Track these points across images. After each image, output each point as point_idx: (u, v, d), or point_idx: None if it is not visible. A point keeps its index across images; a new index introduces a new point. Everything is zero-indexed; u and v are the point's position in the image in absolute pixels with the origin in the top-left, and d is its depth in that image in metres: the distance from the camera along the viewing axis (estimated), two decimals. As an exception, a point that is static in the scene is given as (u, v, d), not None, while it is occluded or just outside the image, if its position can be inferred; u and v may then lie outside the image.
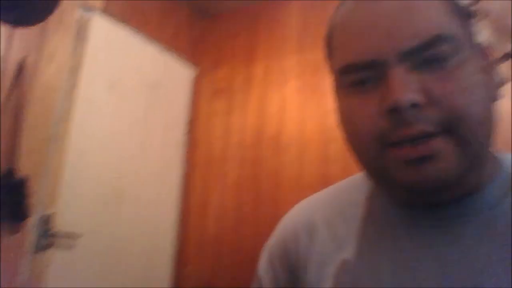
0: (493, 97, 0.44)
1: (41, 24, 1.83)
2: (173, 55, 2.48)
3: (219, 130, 2.45)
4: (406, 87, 0.39)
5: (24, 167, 1.72)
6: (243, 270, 1.89)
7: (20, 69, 1.76)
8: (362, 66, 0.42)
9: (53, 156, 1.84)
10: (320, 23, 2.07)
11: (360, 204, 0.51)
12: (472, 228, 0.43)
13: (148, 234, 2.20)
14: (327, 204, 0.54)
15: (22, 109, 1.75)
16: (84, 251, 1.89)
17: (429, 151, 0.39)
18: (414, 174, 0.40)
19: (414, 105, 0.39)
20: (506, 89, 1.39)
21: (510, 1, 1.34)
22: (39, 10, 1.83)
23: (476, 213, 0.44)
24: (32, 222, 1.73)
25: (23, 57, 1.78)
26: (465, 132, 0.40)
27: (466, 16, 0.44)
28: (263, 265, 0.57)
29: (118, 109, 2.15)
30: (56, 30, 1.91)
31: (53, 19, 1.88)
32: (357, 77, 0.43)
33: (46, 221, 1.78)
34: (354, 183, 0.55)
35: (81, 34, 1.99)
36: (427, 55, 0.40)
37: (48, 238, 1.78)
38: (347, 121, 0.45)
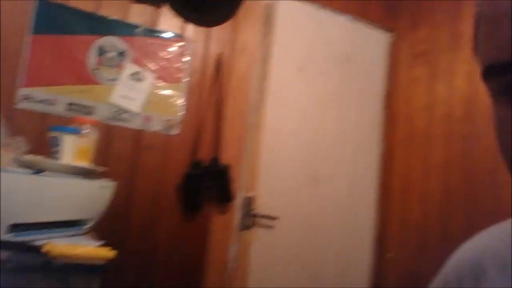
0: None
1: (232, 20, 1.95)
2: (365, 24, 2.27)
3: (421, 101, 2.15)
4: None
5: (227, 155, 1.90)
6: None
7: (218, 65, 1.93)
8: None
9: (252, 143, 1.98)
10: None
11: None
12: None
13: (345, 217, 2.16)
14: (500, 240, 0.42)
15: (223, 102, 1.92)
16: (283, 231, 2.00)
17: None
18: None
19: None
20: None
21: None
22: (228, 9, 1.95)
23: None
24: (236, 204, 1.92)
25: (220, 53, 1.93)
26: None
27: None
28: None
29: (308, 90, 2.13)
30: (245, 23, 2.00)
31: (241, 13, 1.98)
32: (506, 80, 0.31)
33: (248, 203, 1.95)
34: None
35: (268, 22, 2.04)
36: None
37: (250, 218, 1.95)
38: (499, 135, 0.34)
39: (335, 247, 2.13)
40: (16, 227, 0.98)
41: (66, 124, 1.29)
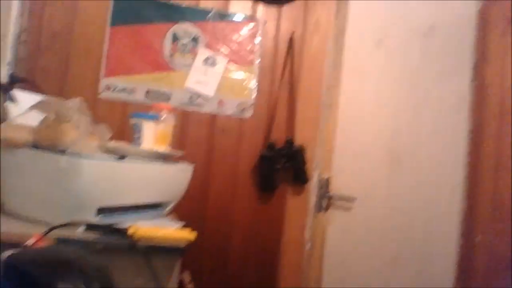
0: None
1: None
2: (450, -11, 2.06)
3: (517, 72, 1.92)
4: None
5: (301, 135, 1.86)
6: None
7: (290, 44, 1.88)
8: None
9: (326, 123, 1.92)
10: None
11: None
12: None
13: (428, 198, 2.02)
14: None
15: (296, 82, 1.88)
16: (361, 213, 1.93)
17: None
18: None
19: None
20: None
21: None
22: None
23: None
24: (312, 186, 1.88)
25: (292, 32, 1.88)
26: None
27: None
28: None
29: (387, 65, 2.00)
30: (317, -2, 1.91)
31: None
32: None
33: (324, 185, 1.90)
34: None
35: (342, -5, 1.93)
36: None
37: (327, 200, 1.91)
38: None
39: (417, 231, 2.01)
40: (102, 211, 1.05)
41: (145, 111, 1.34)
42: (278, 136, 1.84)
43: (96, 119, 1.19)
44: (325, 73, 1.91)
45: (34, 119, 1.03)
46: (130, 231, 0.95)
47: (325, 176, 1.91)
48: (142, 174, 1.13)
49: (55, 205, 0.99)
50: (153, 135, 1.24)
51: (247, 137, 1.83)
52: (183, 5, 1.76)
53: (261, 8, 1.85)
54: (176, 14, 1.75)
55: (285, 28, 1.88)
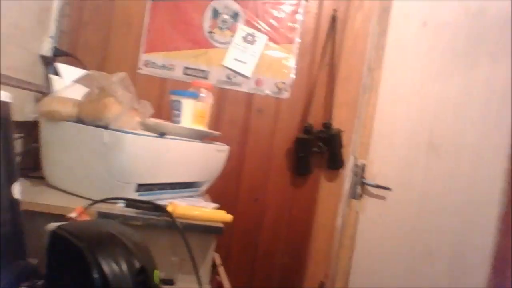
0: None
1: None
2: (507, -33, 1.92)
3: None
4: None
5: (339, 119, 1.81)
6: None
7: (332, 23, 1.81)
8: None
9: (365, 106, 1.85)
10: None
11: None
12: None
13: (467, 192, 1.93)
14: None
15: (336, 63, 1.82)
16: (395, 203, 1.87)
17: None
18: None
19: None
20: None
21: None
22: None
23: None
24: (347, 171, 1.84)
25: (334, 10, 1.81)
26: None
27: None
28: None
29: (433, 48, 1.90)
30: (363, -25, 1.83)
31: (359, -37, 1.81)
32: None
33: (359, 171, 1.86)
34: None
35: (388, -28, 1.83)
36: None
37: (361, 187, 1.86)
38: None
39: (454, 225, 1.93)
40: (141, 187, 1.05)
41: (183, 88, 1.32)
42: (315, 119, 1.80)
43: (136, 95, 1.18)
44: (367, 54, 1.84)
45: (78, 92, 1.03)
46: (169, 208, 0.95)
47: (361, 162, 1.86)
48: (182, 152, 1.13)
49: (97, 179, 1.00)
50: (192, 113, 1.23)
51: (283, 118, 1.79)
52: (224, -20, 1.72)
53: (303, -15, 1.79)
54: (217, -11, 1.72)
55: (328, 5, 1.81)
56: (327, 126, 1.78)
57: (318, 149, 1.77)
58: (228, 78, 1.74)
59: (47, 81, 1.36)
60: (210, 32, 1.72)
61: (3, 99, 0.72)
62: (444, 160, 1.91)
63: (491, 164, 1.96)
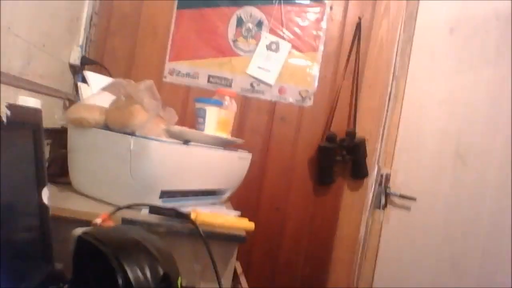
0: None
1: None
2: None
3: None
4: None
5: (363, 127, 1.79)
6: None
7: (357, 30, 1.79)
8: None
9: (390, 115, 1.82)
10: None
11: None
12: None
13: (497, 203, 1.87)
14: None
15: (360, 71, 1.80)
16: (421, 214, 1.83)
17: None
18: None
19: None
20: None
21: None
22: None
23: None
24: (370, 181, 1.81)
25: (359, 17, 1.79)
26: None
27: None
28: None
29: (460, 55, 1.86)
30: (388, -18, 1.81)
31: (384, -29, 1.79)
32: None
33: (383, 181, 1.82)
34: None
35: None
36: None
37: (385, 197, 1.83)
38: None
39: (482, 237, 1.87)
40: (164, 194, 1.06)
41: (207, 96, 1.33)
42: (339, 127, 1.78)
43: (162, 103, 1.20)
44: (392, 61, 1.81)
45: (105, 100, 1.05)
46: (192, 216, 0.95)
47: (386, 171, 1.82)
48: (205, 159, 1.13)
49: (122, 186, 1.01)
50: (216, 120, 1.23)
51: (306, 126, 1.78)
52: (249, -12, 1.74)
53: (328, -8, 1.79)
54: (242, -3, 1.73)
55: (353, 13, 1.79)
56: (350, 134, 1.76)
57: (341, 158, 1.75)
58: (252, 86, 1.74)
59: (75, 88, 1.40)
60: (234, 40, 1.73)
61: (35, 106, 0.74)
62: (471, 168, 1.86)
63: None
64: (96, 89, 1.19)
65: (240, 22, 1.73)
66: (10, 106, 0.65)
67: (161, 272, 0.62)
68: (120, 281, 0.59)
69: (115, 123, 1.00)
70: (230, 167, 1.26)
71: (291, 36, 1.76)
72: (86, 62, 1.54)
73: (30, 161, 0.70)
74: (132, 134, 0.98)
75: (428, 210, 1.84)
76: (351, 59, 1.79)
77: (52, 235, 0.71)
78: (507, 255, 1.87)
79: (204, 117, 1.20)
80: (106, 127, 1.03)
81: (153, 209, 0.96)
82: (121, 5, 1.69)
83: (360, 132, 1.77)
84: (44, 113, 0.76)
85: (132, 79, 1.07)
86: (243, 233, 1.01)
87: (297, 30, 1.76)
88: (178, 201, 1.11)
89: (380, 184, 1.82)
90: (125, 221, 0.92)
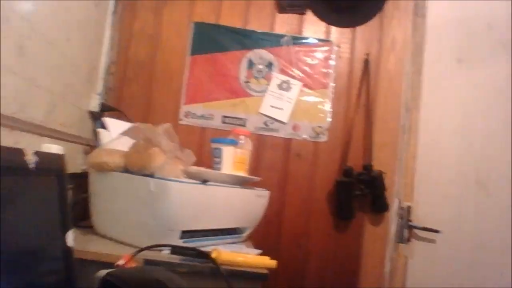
0: None
1: (377, 17, 1.85)
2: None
3: None
4: None
5: (379, 160, 1.78)
6: None
7: (366, 65, 1.83)
8: None
9: (407, 147, 1.82)
10: None
11: None
12: None
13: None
14: None
15: (372, 104, 1.81)
16: (446, 246, 1.77)
17: None
18: None
19: None
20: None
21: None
22: (373, 7, 1.85)
23: None
24: (392, 214, 1.78)
25: (367, 53, 1.83)
26: None
27: None
28: None
29: (471, 84, 1.86)
30: (393, 18, 1.86)
31: (388, 7, 1.85)
32: None
33: (405, 214, 1.79)
34: None
35: (419, 12, 1.86)
36: None
37: (408, 230, 1.78)
38: None
39: (508, 266, 1.80)
40: (185, 234, 1.06)
41: (223, 136, 1.36)
42: (355, 161, 1.77)
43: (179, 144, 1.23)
44: (403, 94, 1.83)
45: (125, 144, 1.08)
46: (213, 255, 0.95)
47: (406, 204, 1.79)
48: (224, 198, 1.14)
49: (143, 227, 1.02)
50: (232, 159, 1.25)
51: (322, 161, 1.78)
52: (258, 31, 1.80)
53: (334, 30, 1.84)
54: (251, 41, 1.79)
55: (360, 49, 1.84)
56: (367, 168, 1.75)
57: (360, 191, 1.73)
58: (266, 124, 1.77)
59: (95, 134, 1.44)
60: (246, 81, 1.78)
61: (58, 152, 0.77)
62: (494, 196, 1.81)
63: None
64: (115, 134, 1.23)
65: (250, 64, 1.79)
66: (37, 153, 0.67)
67: (185, 311, 0.62)
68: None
69: (134, 166, 1.02)
70: (248, 205, 1.26)
71: (301, 75, 1.80)
72: (105, 109, 1.59)
73: (55, 205, 0.72)
74: (151, 176, 1.00)
75: (454, 241, 1.78)
76: (362, 93, 1.82)
77: (77, 277, 0.72)
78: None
79: (220, 157, 1.22)
80: (126, 170, 1.05)
81: (175, 250, 0.96)
82: (137, 53, 1.77)
83: (376, 165, 1.76)
84: (66, 159, 0.78)
85: (149, 123, 1.10)
86: (265, 271, 0.99)
87: (306, 68, 1.81)
88: (198, 241, 1.10)
89: (401, 218, 1.79)
90: (148, 261, 0.92)
